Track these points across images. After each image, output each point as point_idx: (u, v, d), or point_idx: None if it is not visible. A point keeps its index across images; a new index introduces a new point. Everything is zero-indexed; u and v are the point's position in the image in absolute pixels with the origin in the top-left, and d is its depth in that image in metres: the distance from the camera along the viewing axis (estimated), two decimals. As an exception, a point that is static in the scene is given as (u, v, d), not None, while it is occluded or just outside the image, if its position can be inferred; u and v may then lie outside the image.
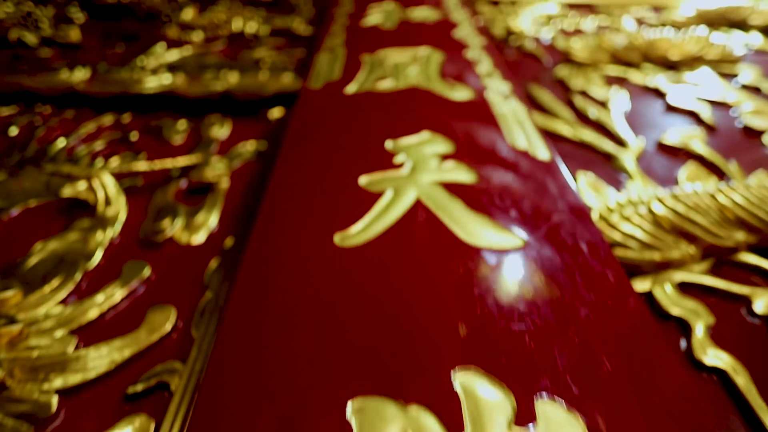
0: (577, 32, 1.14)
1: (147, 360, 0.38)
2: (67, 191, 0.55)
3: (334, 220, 0.40)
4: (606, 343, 0.29)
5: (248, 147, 0.66)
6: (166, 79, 0.76)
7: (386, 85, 0.66)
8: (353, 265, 0.35)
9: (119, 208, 0.54)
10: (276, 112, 0.73)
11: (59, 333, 0.40)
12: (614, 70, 0.92)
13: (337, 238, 0.38)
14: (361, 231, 0.39)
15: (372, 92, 0.64)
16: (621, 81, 0.90)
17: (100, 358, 0.38)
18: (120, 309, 0.43)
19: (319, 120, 0.58)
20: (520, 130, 0.54)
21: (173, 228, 0.53)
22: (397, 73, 0.68)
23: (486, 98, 0.63)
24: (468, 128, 0.53)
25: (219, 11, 1.05)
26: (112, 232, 0.52)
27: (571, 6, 1.30)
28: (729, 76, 0.92)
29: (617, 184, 0.61)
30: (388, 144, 0.50)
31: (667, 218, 0.49)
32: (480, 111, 0.60)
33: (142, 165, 0.59)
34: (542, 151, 0.51)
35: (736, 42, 1.06)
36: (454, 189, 0.44)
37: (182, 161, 0.60)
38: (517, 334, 0.30)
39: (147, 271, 0.47)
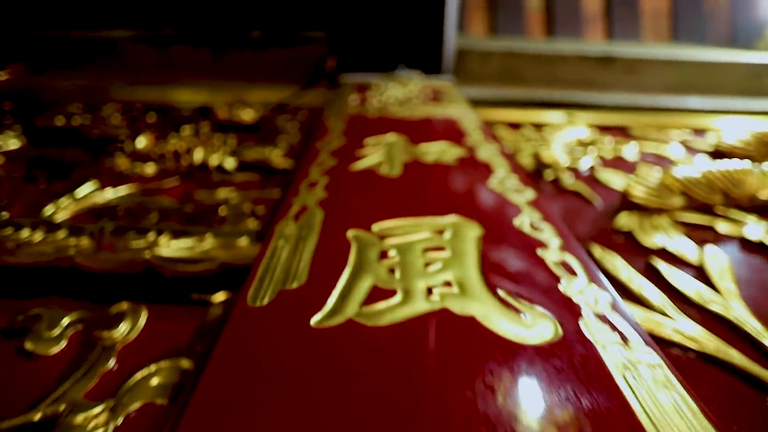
0: (619, 160, 0.94)
1: None
2: None
3: None
4: None
5: (161, 366, 0.40)
6: (68, 242, 0.53)
7: (389, 306, 0.33)
8: None
9: None
10: (220, 296, 0.48)
11: None
12: (691, 217, 0.69)
13: None
14: None
15: (360, 327, 0.31)
16: (706, 231, 0.66)
17: None
18: None
19: (247, 393, 0.27)
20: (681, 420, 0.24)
21: None
22: (406, 278, 0.36)
23: (589, 340, 0.30)
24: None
25: (181, 138, 0.86)
26: None
27: (602, 129, 1.13)
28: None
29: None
30: None
31: None
32: (591, 385, 0.27)
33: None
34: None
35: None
36: None
37: (34, 416, 0.33)
38: None
39: None
